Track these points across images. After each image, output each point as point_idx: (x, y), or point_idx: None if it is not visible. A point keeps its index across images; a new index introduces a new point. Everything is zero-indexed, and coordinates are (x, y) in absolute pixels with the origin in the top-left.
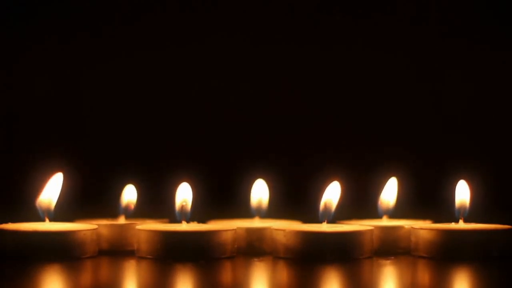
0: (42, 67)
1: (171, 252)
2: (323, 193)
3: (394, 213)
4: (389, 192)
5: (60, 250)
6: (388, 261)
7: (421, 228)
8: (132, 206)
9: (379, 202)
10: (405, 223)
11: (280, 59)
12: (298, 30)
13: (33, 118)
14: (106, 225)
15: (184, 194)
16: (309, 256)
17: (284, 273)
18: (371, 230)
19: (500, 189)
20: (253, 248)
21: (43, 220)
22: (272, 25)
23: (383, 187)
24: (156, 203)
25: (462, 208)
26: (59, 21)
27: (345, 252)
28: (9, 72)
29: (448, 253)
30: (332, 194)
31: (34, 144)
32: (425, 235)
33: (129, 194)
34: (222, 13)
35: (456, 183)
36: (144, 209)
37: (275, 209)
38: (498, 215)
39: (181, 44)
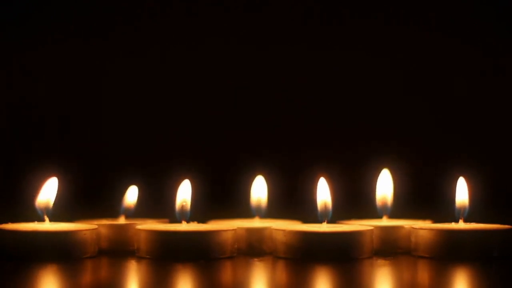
0: (44, 68)
1: (171, 252)
2: (318, 192)
3: (394, 213)
4: (385, 189)
5: (60, 250)
6: (388, 261)
7: (421, 228)
8: (132, 207)
9: (377, 201)
10: (405, 223)
11: (280, 59)
12: (297, 30)
13: (33, 118)
14: (106, 225)
15: (184, 194)
16: (309, 256)
17: (284, 273)
18: (371, 230)
19: (500, 188)
20: (253, 248)
21: (43, 220)
22: (272, 26)
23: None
24: (156, 203)
25: (462, 208)
26: (59, 21)
27: (345, 252)
28: (9, 72)
29: (448, 253)
30: (325, 192)
31: (34, 144)
32: (425, 235)
33: (132, 195)
34: (222, 12)
35: (456, 182)
36: (144, 209)
37: (275, 209)
38: (498, 215)
39: (181, 44)
